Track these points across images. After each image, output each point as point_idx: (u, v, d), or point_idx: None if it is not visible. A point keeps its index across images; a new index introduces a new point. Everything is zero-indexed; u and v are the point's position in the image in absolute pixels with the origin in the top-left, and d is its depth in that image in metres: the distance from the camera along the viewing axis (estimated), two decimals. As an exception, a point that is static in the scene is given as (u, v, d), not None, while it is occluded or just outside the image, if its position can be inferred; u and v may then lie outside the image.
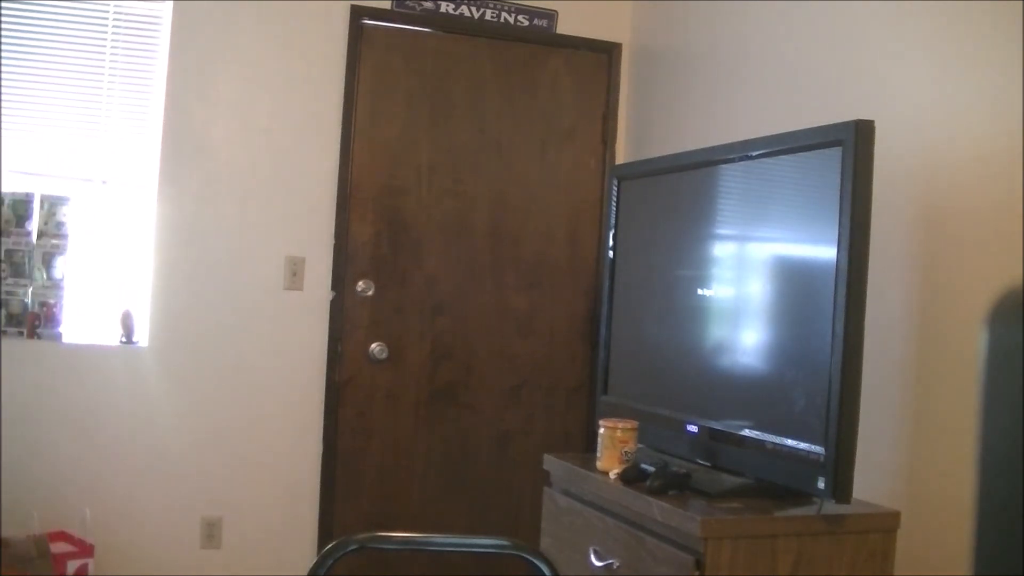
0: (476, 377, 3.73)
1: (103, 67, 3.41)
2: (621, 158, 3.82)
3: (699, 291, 2.60)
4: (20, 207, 3.30)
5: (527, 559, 1.62)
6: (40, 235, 3.32)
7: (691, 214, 2.69)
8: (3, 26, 3.27)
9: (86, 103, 3.41)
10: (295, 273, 3.55)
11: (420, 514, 3.65)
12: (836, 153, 2.12)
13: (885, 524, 2.20)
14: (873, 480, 2.35)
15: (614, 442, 2.50)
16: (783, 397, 2.24)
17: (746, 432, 2.33)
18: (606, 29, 3.86)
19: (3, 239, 3.28)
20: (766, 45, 3.05)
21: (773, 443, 2.23)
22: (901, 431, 2.40)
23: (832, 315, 2.08)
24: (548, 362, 3.80)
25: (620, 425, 2.51)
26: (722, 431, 2.41)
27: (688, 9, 3.51)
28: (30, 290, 3.31)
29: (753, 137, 2.46)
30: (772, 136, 2.39)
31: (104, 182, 3.44)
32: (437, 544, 1.89)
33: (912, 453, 2.37)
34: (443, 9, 3.69)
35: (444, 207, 3.70)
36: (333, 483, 3.58)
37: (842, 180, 2.09)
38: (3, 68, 3.28)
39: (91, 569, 3.19)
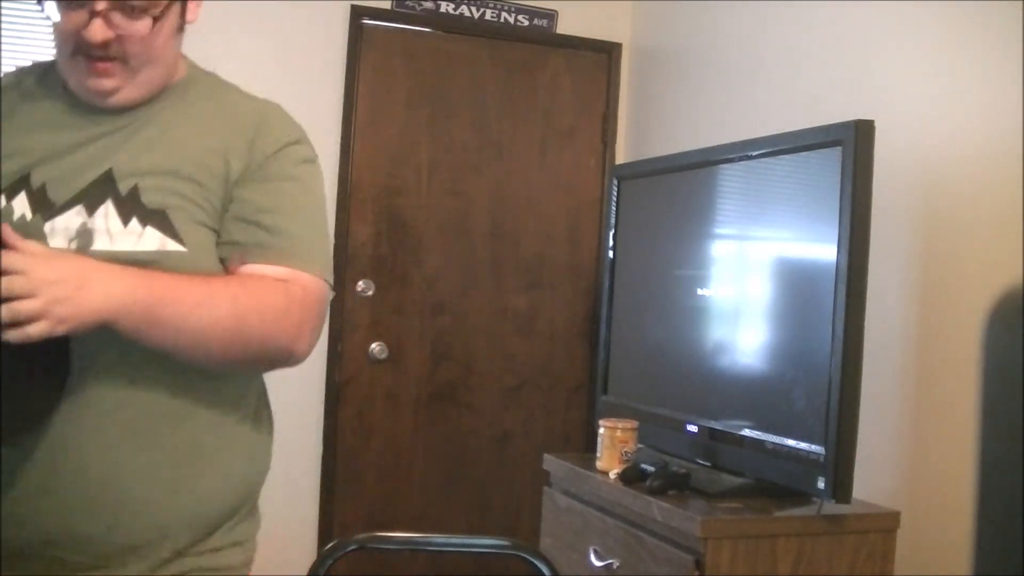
0: (476, 377, 3.73)
1: (103, 67, 3.39)
2: (621, 158, 3.82)
3: (699, 291, 2.60)
4: (20, 207, 3.29)
5: (527, 559, 1.62)
6: (40, 235, 3.30)
7: (691, 214, 2.69)
8: (3, 26, 3.27)
9: (86, 103, 3.39)
10: (295, 273, 3.54)
11: (420, 514, 3.65)
12: (836, 153, 2.12)
13: (885, 524, 2.20)
14: (873, 480, 2.35)
15: (614, 442, 2.50)
16: (783, 397, 2.24)
17: (746, 432, 2.33)
18: (606, 29, 3.86)
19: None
20: (766, 45, 3.05)
21: (773, 443, 2.23)
22: (901, 431, 2.40)
23: (832, 315, 2.09)
24: (548, 362, 3.80)
25: (620, 425, 2.51)
26: (722, 431, 2.41)
27: (688, 9, 3.51)
28: (30, 290, 3.28)
29: (753, 137, 2.46)
30: (772, 136, 2.39)
31: (104, 182, 3.41)
32: (437, 544, 1.89)
33: (912, 453, 2.37)
34: (443, 9, 3.69)
35: (444, 207, 3.70)
36: (333, 483, 3.58)
37: (842, 180, 2.09)
38: (3, 68, 3.28)
39: (91, 569, 3.17)
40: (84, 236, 1.28)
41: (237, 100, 1.46)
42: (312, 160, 1.44)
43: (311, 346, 1.38)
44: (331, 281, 1.43)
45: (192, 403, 1.34)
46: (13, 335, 1.15)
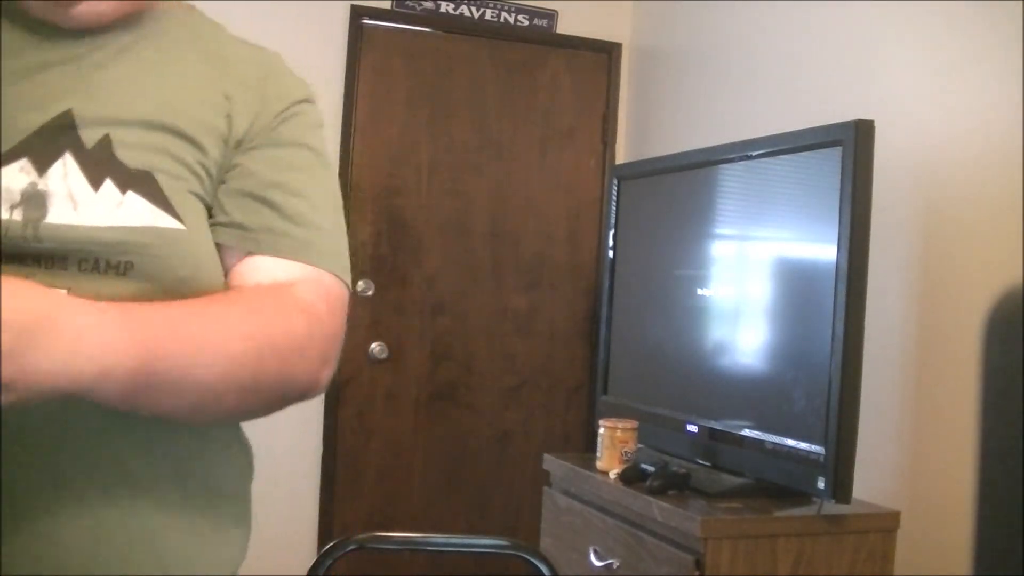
0: (476, 377, 3.73)
1: (103, 67, 3.38)
2: (621, 158, 3.82)
3: (699, 291, 2.60)
4: (20, 207, 3.28)
5: (527, 559, 1.62)
6: (40, 235, 3.28)
7: (691, 214, 2.69)
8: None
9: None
10: (295, 273, 3.54)
11: (420, 514, 3.65)
12: (836, 153, 2.12)
13: (885, 524, 2.20)
14: (873, 480, 2.35)
15: (614, 442, 2.50)
16: (783, 397, 2.24)
17: (746, 432, 2.33)
18: (606, 29, 3.86)
19: (3, 239, 3.25)
20: (766, 45, 3.05)
21: (773, 443, 2.23)
22: (901, 431, 2.40)
23: (832, 315, 2.09)
24: (548, 362, 3.80)
25: (620, 425, 2.52)
26: (722, 431, 2.41)
27: (688, 9, 3.51)
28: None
29: (753, 137, 2.46)
30: (772, 136, 2.39)
31: (104, 182, 3.39)
32: (437, 544, 1.89)
33: (912, 453, 2.37)
34: (443, 9, 3.69)
35: (444, 207, 3.70)
36: (333, 483, 3.58)
37: (842, 180, 2.09)
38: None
39: (91, 569, 3.16)
40: (34, 202, 0.89)
41: (230, 42, 1.12)
42: (323, 125, 1.11)
43: (333, 371, 0.99)
44: (349, 282, 1.04)
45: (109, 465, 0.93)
46: None
